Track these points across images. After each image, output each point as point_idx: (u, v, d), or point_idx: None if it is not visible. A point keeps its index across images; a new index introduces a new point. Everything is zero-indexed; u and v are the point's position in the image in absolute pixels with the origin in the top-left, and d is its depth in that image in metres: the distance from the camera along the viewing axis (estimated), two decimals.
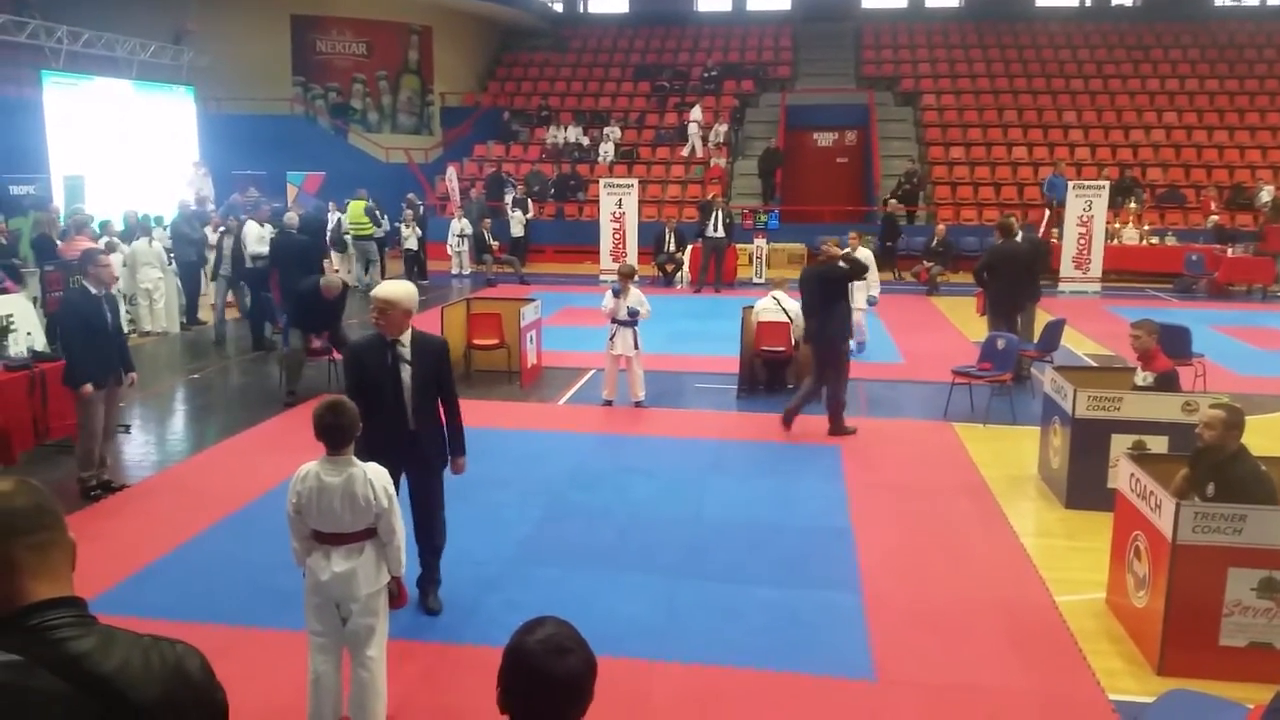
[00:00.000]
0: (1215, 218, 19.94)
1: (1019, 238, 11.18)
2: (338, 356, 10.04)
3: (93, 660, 1.59)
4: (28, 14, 17.94)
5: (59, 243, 12.43)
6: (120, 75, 19.01)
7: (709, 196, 19.30)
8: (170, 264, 13.76)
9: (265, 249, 12.74)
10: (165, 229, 14.80)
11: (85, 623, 1.65)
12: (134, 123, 18.66)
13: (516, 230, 20.27)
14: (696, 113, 23.99)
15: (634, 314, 9.44)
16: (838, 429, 8.69)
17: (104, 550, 6.16)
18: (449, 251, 19.41)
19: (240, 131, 21.14)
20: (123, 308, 9.65)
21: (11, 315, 9.09)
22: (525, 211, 20.69)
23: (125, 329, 7.78)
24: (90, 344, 6.99)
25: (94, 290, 7.08)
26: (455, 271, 19.24)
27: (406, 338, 5.02)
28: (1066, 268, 17.69)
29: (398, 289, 5.10)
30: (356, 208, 17.48)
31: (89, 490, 7.13)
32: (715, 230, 17.61)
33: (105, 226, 14.03)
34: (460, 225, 19.21)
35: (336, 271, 13.77)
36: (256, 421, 9.28)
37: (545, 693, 1.89)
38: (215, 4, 23.05)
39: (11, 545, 1.64)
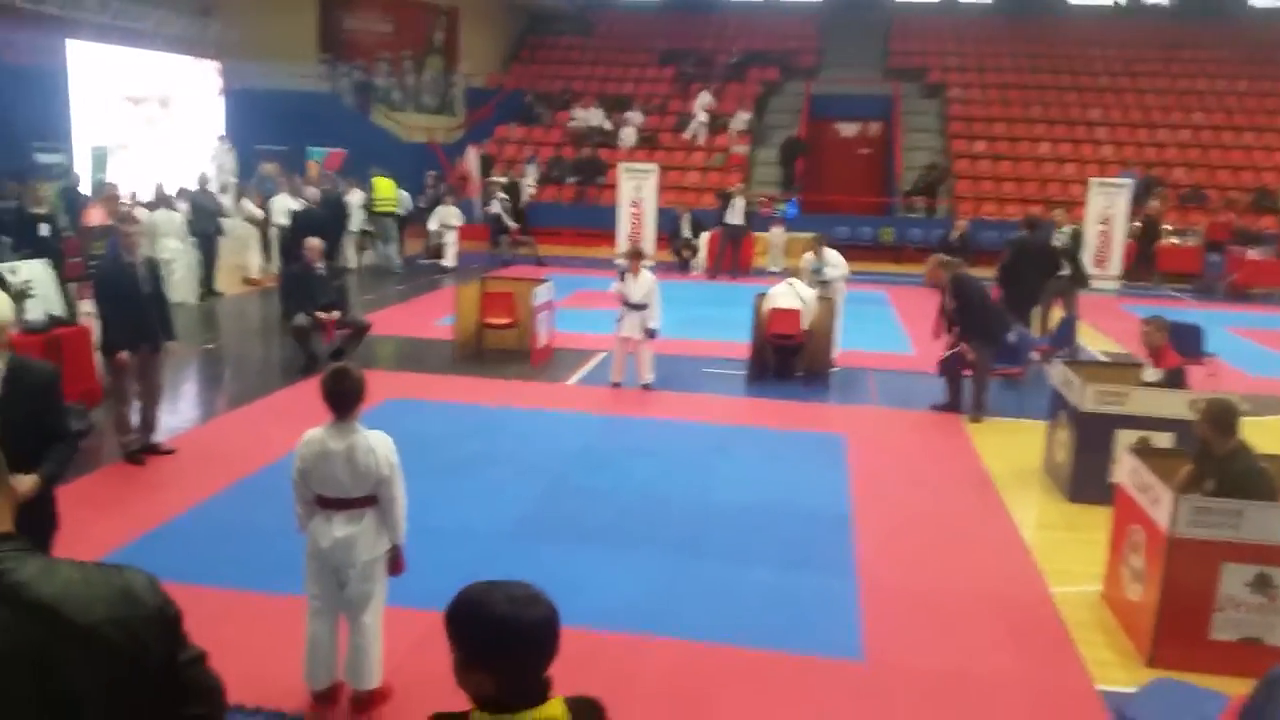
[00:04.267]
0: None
1: (1058, 235, 11.17)
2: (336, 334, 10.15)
3: (34, 587, 1.63)
4: None
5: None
6: (147, 46, 19.13)
7: (733, 185, 19.20)
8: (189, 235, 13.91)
9: (287, 221, 12.89)
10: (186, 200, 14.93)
11: (24, 554, 1.69)
12: (159, 95, 18.78)
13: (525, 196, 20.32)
14: (704, 98, 23.92)
15: (643, 306, 9.48)
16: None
17: (115, 512, 6.27)
18: (430, 241, 18.21)
19: (264, 106, 21.22)
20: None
21: (30, 281, 9.22)
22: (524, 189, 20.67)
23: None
24: (123, 311, 7.04)
25: (126, 258, 7.14)
26: (447, 264, 17.71)
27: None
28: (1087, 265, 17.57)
29: None
30: (385, 183, 17.57)
31: (132, 453, 7.22)
32: (733, 218, 17.59)
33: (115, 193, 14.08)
34: (445, 214, 17.98)
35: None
36: (271, 390, 9.39)
37: (519, 645, 1.86)
38: None
39: None
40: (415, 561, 4.50)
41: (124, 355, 7.04)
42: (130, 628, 1.68)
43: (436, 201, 18.68)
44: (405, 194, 18.32)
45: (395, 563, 4.29)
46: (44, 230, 10.95)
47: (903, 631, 5.06)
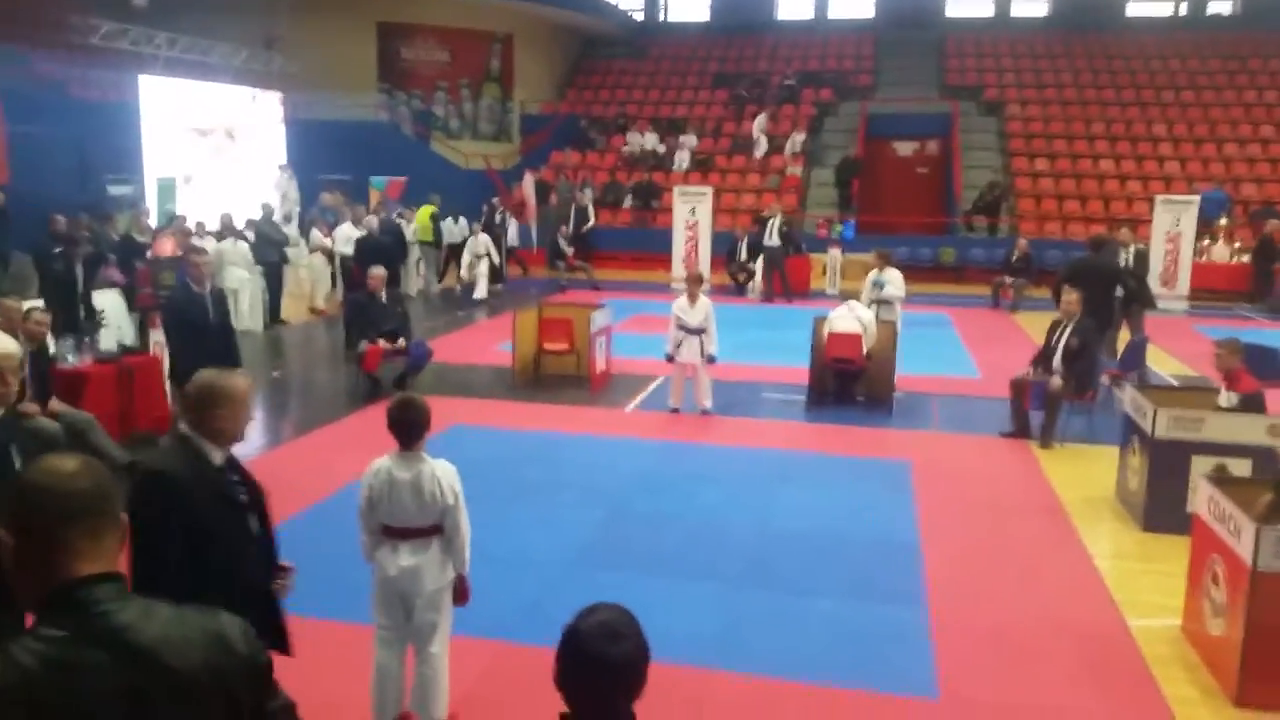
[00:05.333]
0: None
1: (1123, 254, 10.93)
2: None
3: (133, 631, 1.64)
4: (129, 21, 18.69)
5: (138, 239, 12.81)
6: (213, 79, 19.66)
7: (767, 208, 18.89)
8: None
9: (350, 250, 13.11)
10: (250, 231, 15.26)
11: (125, 596, 1.70)
12: (225, 126, 19.27)
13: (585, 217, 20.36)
14: (761, 120, 23.91)
15: (701, 330, 9.45)
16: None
17: None
18: (463, 273, 17.54)
19: (326, 136, 21.67)
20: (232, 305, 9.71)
21: (103, 311, 9.48)
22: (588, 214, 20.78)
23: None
24: (192, 340, 7.22)
25: (195, 288, 7.31)
26: (477, 296, 17.05)
27: None
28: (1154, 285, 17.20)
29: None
30: (422, 212, 17.78)
31: None
32: (770, 239, 17.46)
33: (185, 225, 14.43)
34: (478, 244, 17.40)
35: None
36: (337, 417, 9.51)
37: (597, 676, 1.93)
38: (305, 12, 23.69)
39: (68, 527, 1.68)
40: (480, 590, 4.50)
41: None
42: (224, 675, 1.70)
43: (487, 229, 18.82)
44: (454, 221, 18.41)
45: (461, 592, 4.29)
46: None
47: (977, 665, 4.94)
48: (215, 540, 3.08)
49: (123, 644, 1.63)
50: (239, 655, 1.74)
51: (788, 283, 17.56)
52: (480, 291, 17.16)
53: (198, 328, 7.24)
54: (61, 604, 1.65)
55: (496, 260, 17.88)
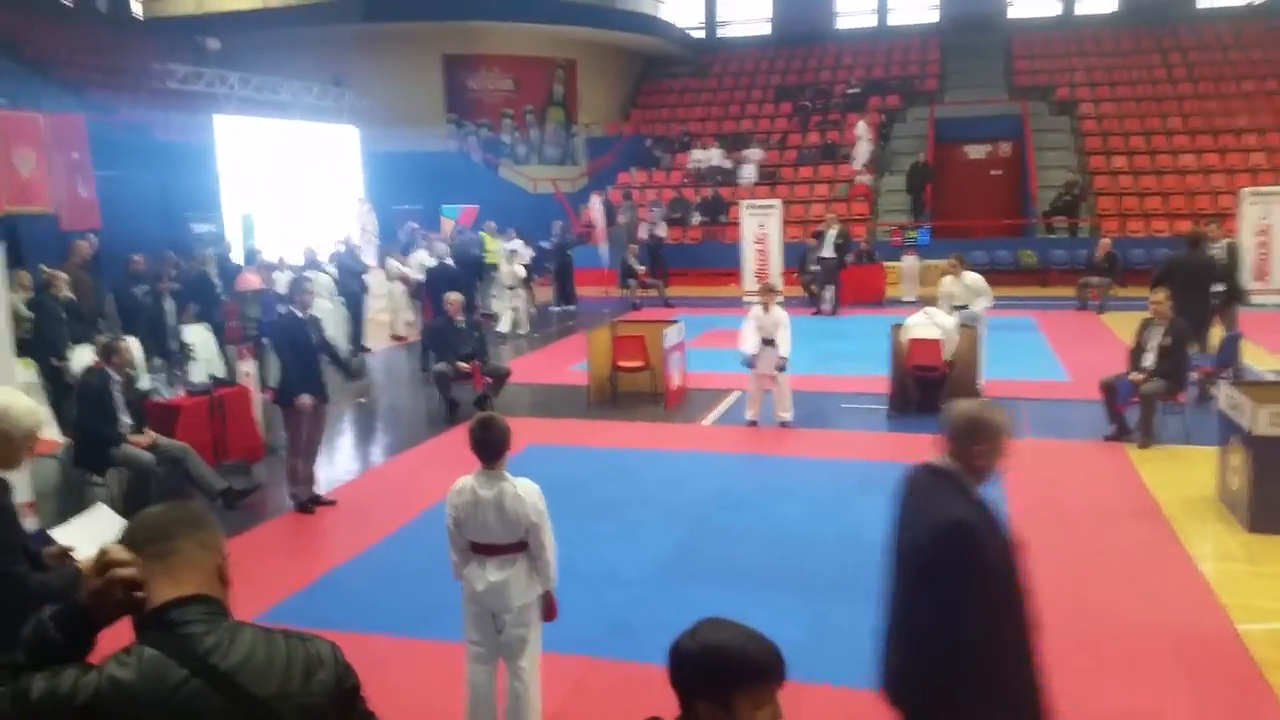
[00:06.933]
0: None
1: (1213, 249, 10.58)
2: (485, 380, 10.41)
3: (218, 655, 1.69)
4: (203, 64, 19.40)
5: (213, 277, 13.15)
6: (286, 116, 20.24)
7: (825, 218, 18.44)
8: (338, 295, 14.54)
9: (423, 276, 13.36)
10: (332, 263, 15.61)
11: (213, 618, 1.75)
12: (300, 162, 19.79)
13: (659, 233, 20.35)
14: (862, 127, 23.70)
15: (772, 341, 9.37)
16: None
17: (280, 564, 6.53)
18: (492, 307, 16.44)
19: (398, 168, 22.15)
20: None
21: (193, 344, 9.78)
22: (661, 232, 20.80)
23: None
24: (298, 362, 7.50)
25: (300, 314, 7.64)
26: (501, 329, 15.74)
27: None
28: (1245, 280, 16.58)
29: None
30: (488, 239, 18.03)
31: (301, 505, 7.58)
32: (826, 250, 17.18)
33: (258, 259, 14.76)
34: (510, 272, 16.19)
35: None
36: (420, 440, 9.66)
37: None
38: (373, 47, 24.31)
39: (139, 554, 1.80)
40: (566, 607, 4.51)
41: (306, 398, 7.46)
42: (303, 703, 1.72)
43: (558, 252, 18.91)
44: (517, 246, 18.49)
45: (549, 608, 4.30)
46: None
47: (1076, 672, 4.78)
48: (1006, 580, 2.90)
49: (206, 667, 1.68)
50: (323, 681, 1.76)
51: (837, 296, 17.26)
52: (504, 325, 15.93)
53: (301, 349, 7.55)
54: (151, 625, 1.74)
55: (523, 294, 16.74)
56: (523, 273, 16.53)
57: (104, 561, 1.75)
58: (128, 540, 1.82)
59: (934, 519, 2.90)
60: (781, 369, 9.43)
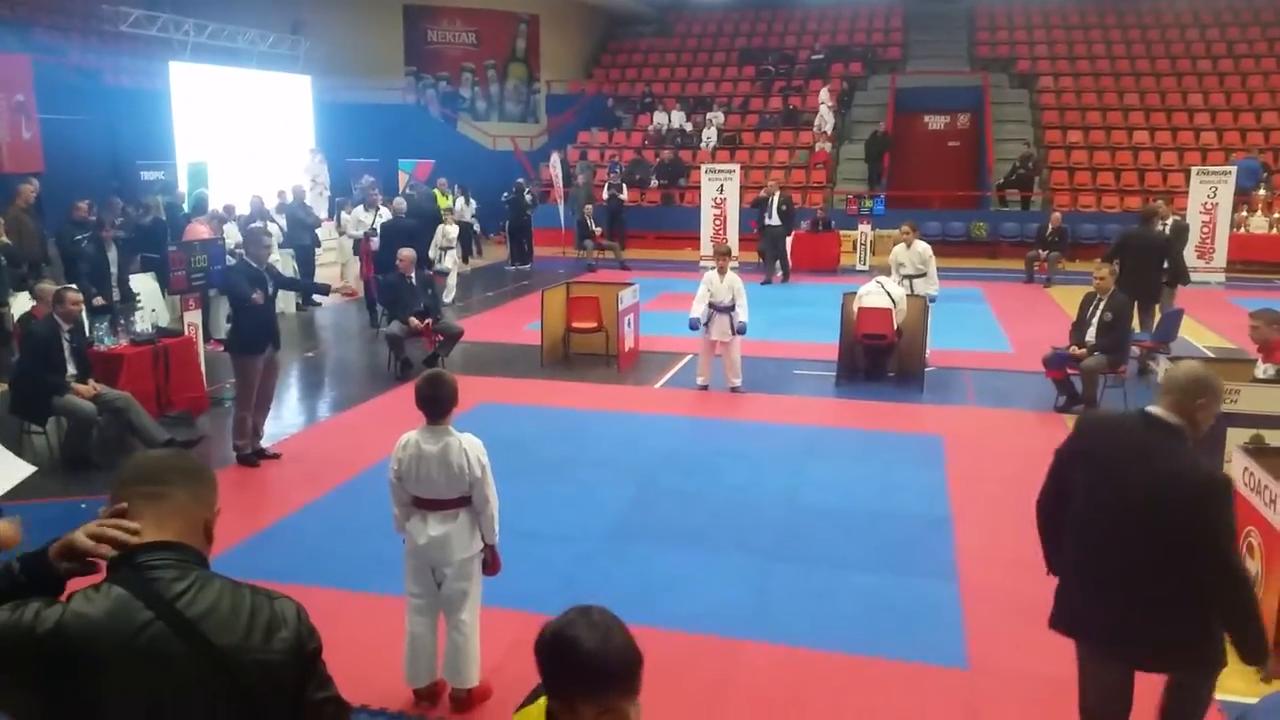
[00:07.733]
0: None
1: (1160, 226, 10.73)
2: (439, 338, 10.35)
3: (184, 601, 1.70)
4: (158, 9, 18.84)
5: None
6: (241, 64, 19.78)
7: (765, 185, 18.35)
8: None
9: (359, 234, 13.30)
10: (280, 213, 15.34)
11: (184, 566, 1.76)
12: (254, 110, 19.38)
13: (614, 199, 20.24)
14: (824, 94, 23.69)
15: (730, 308, 9.42)
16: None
17: (223, 517, 6.45)
18: (435, 266, 14.53)
19: (354, 120, 21.77)
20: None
21: (139, 293, 9.60)
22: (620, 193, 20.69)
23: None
24: (252, 311, 7.35)
25: (254, 265, 7.50)
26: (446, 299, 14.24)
27: None
28: (1189, 257, 16.92)
29: None
30: (440, 196, 17.79)
31: (245, 458, 7.48)
32: (771, 218, 17.17)
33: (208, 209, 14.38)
34: (443, 235, 15.09)
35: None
36: (369, 397, 9.59)
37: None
38: None
39: (128, 491, 1.83)
40: (510, 563, 4.54)
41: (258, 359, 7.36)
42: (262, 658, 1.72)
43: (515, 211, 18.74)
44: (465, 202, 18.28)
45: (490, 562, 4.33)
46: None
47: (1008, 637, 4.92)
48: None
49: (171, 613, 1.69)
50: (283, 639, 1.76)
51: (787, 264, 17.30)
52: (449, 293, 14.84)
53: (256, 301, 7.40)
54: (123, 564, 1.75)
55: (459, 253, 16.41)
56: (455, 231, 15.74)
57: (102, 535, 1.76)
58: (125, 477, 1.84)
59: (1180, 474, 3.08)
60: (741, 333, 9.48)
